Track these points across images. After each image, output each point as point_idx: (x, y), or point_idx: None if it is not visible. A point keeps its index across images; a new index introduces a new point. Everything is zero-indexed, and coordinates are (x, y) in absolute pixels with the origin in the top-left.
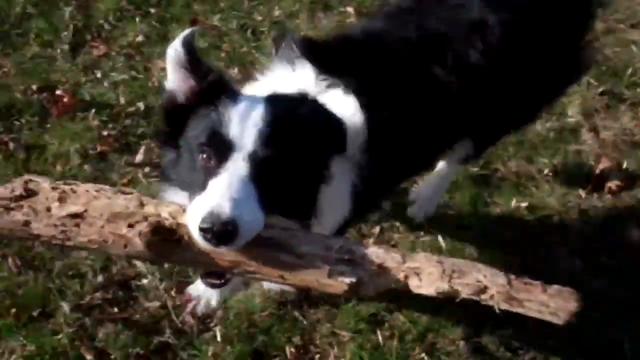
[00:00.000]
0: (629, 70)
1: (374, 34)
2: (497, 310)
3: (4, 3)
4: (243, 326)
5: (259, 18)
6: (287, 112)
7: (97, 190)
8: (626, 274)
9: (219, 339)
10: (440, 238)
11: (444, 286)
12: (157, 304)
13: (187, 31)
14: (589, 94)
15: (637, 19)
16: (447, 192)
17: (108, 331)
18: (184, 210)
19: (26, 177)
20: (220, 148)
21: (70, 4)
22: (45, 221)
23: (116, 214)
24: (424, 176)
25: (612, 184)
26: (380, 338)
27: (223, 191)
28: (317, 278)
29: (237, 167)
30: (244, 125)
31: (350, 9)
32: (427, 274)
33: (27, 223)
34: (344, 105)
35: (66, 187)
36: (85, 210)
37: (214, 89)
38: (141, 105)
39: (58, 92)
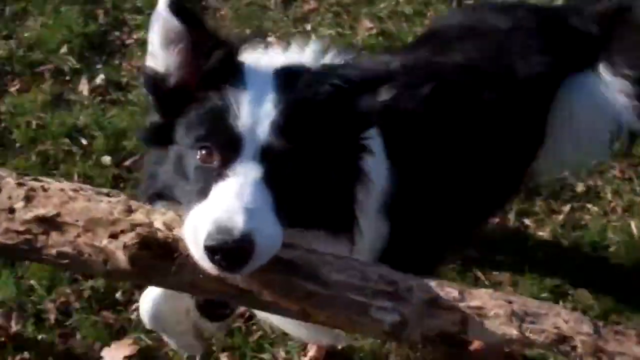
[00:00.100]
0: None
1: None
2: None
3: None
4: None
5: None
6: (307, 90)
7: (74, 190)
8: None
9: None
10: None
11: (513, 332)
12: None
13: None
14: None
15: None
16: None
17: None
18: (183, 221)
19: None
20: (225, 143)
21: None
22: (5, 225)
23: (96, 220)
24: None
25: None
26: None
27: (233, 199)
28: (350, 315)
29: (248, 168)
30: (256, 112)
31: None
32: (491, 316)
33: None
34: None
35: (35, 184)
36: (58, 214)
37: (221, 67)
38: None
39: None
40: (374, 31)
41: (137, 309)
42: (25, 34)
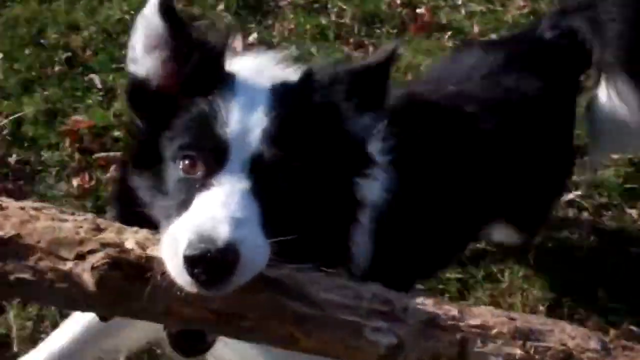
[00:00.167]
0: None
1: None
2: None
3: None
4: None
5: None
6: (301, 101)
7: (36, 209)
8: None
9: None
10: None
11: (517, 352)
12: None
13: None
14: None
15: None
16: None
17: None
18: (159, 240)
19: None
20: (211, 151)
21: None
22: None
23: (60, 240)
24: None
25: None
26: None
27: (218, 207)
28: (343, 337)
29: (235, 178)
30: (245, 119)
31: None
32: (493, 334)
33: None
34: None
35: None
36: (17, 235)
37: (204, 71)
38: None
39: (419, 10)
40: (526, 10)
41: None
42: None
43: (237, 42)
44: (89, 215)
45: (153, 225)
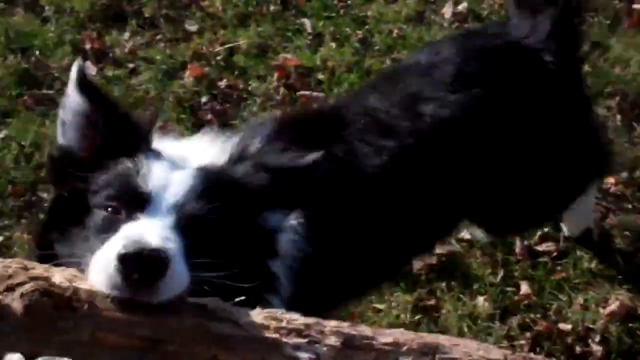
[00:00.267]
0: None
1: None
2: None
3: None
4: None
5: None
6: (221, 175)
7: None
8: None
9: None
10: None
11: None
12: None
13: (75, 68)
14: None
15: None
16: None
17: None
18: (85, 277)
19: None
20: (134, 201)
21: None
22: None
23: None
24: None
25: None
26: None
27: (145, 226)
28: (264, 354)
29: (156, 217)
30: (167, 176)
31: None
32: (404, 350)
33: None
34: None
35: None
36: None
37: (127, 141)
38: None
39: (636, 5)
40: None
41: None
42: None
43: (447, 9)
44: (17, 258)
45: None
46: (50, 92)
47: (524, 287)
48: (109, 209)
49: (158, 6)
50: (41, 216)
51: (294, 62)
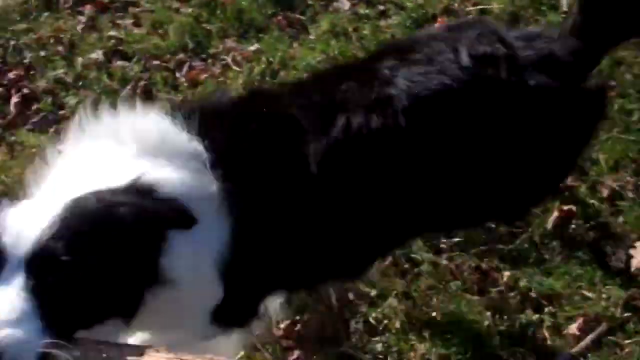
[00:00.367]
0: None
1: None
2: None
3: None
4: None
5: None
6: (84, 213)
7: None
8: None
9: None
10: None
11: None
12: None
13: None
14: None
15: None
16: None
17: None
18: None
19: None
20: None
21: None
22: None
23: None
24: None
25: None
26: None
27: None
28: None
29: (8, 280)
30: (22, 228)
31: None
32: None
33: None
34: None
35: None
36: None
37: None
38: None
39: None
40: None
41: None
42: None
43: None
44: None
45: None
46: (303, 17)
47: None
48: None
49: None
50: None
51: None
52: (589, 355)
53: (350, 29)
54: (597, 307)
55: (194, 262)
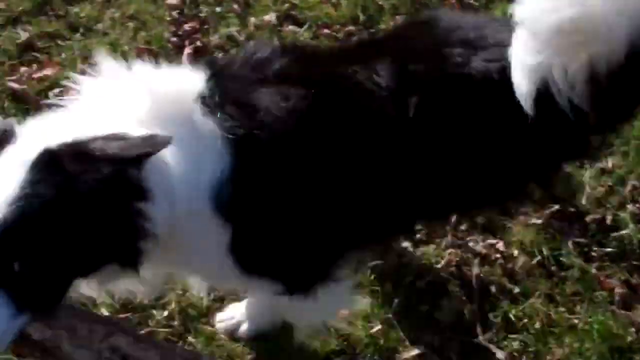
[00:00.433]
0: None
1: None
2: None
3: None
4: None
5: None
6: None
7: None
8: None
9: None
10: None
11: None
12: None
13: None
14: None
15: None
16: None
17: None
18: None
19: None
20: None
21: None
22: None
23: None
24: None
25: None
26: None
27: None
28: None
29: None
30: None
31: None
32: None
33: None
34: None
35: None
36: None
37: None
38: None
39: None
40: None
41: None
42: None
43: None
44: None
45: None
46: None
47: None
48: None
49: None
50: None
51: None
52: None
53: None
54: None
55: (189, 205)
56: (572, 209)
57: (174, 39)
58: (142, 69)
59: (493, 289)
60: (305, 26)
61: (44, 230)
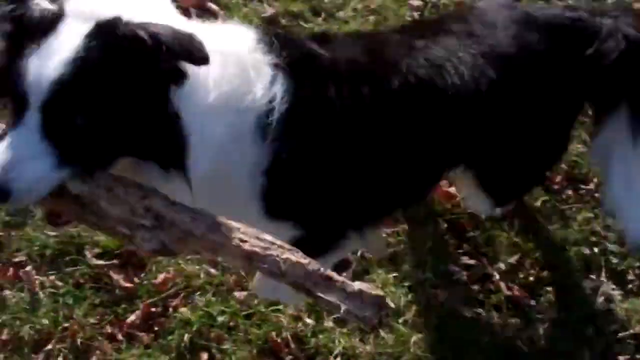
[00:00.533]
0: None
1: None
2: None
3: None
4: None
5: None
6: (104, 40)
7: None
8: None
9: None
10: None
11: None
12: None
13: None
14: None
15: None
16: None
17: None
18: None
19: None
20: (17, 99)
21: None
22: None
23: None
24: None
25: None
26: None
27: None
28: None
29: (28, 119)
30: (44, 66)
31: None
32: (229, 247)
33: None
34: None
35: None
36: None
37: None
38: None
39: None
40: None
41: None
42: None
43: None
44: None
45: None
46: None
47: None
48: (8, 109)
49: None
50: None
51: None
52: None
53: None
54: None
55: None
56: None
57: None
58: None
59: None
60: None
61: (96, 89)
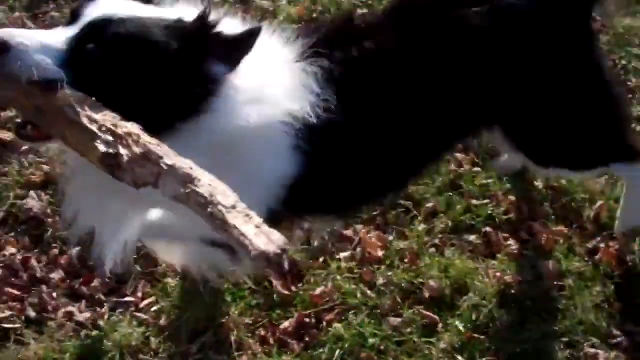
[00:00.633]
0: None
1: None
2: None
3: None
4: None
5: None
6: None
7: None
8: None
9: None
10: None
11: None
12: None
13: None
14: None
15: None
16: None
17: None
18: None
19: None
20: (72, 15)
21: None
22: None
23: None
24: None
25: None
26: None
27: (40, 35)
28: (85, 140)
29: (71, 29)
30: (100, 7)
31: None
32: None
33: None
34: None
35: None
36: None
37: None
38: None
39: None
40: None
41: None
42: None
43: None
44: None
45: None
46: None
47: None
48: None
49: None
50: None
51: None
52: None
53: None
54: None
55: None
56: None
57: None
58: None
59: None
60: None
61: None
